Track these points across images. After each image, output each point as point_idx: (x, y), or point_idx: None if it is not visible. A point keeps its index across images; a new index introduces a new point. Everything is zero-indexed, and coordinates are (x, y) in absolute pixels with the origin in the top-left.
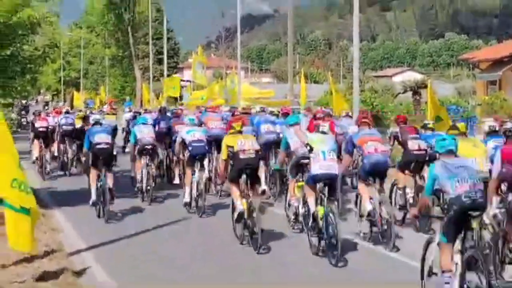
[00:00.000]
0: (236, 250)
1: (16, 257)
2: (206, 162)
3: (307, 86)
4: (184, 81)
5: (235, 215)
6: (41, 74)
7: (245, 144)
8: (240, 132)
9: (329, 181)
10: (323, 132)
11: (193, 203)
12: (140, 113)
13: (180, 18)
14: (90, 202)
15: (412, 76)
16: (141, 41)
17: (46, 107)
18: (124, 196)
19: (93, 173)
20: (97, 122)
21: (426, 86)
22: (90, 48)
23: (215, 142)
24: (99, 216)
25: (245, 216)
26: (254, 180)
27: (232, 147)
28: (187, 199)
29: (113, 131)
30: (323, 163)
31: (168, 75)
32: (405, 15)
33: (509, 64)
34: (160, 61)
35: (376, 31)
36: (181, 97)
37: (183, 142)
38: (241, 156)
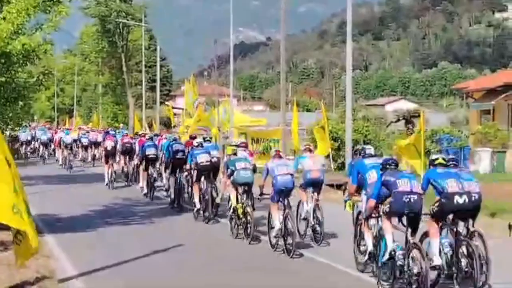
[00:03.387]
0: None
1: (7, 284)
2: None
3: (299, 114)
4: (176, 108)
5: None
6: (34, 101)
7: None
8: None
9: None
10: None
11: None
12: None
13: (173, 46)
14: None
15: (405, 105)
16: (134, 69)
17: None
18: (119, 222)
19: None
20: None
21: (419, 115)
22: (84, 75)
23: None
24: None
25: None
26: None
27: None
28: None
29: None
30: None
31: (161, 103)
32: (398, 44)
33: (502, 94)
34: (152, 89)
35: (369, 60)
36: (174, 126)
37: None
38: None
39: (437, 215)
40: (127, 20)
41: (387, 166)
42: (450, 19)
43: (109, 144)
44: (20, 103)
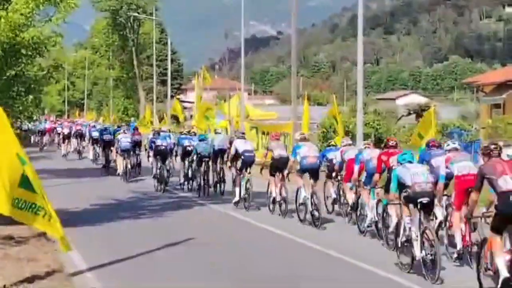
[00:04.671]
0: None
1: (17, 278)
2: None
3: (310, 108)
4: (186, 102)
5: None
6: (45, 95)
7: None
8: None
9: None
10: None
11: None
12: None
13: (184, 39)
14: None
15: (416, 99)
16: (145, 63)
17: None
18: (131, 216)
19: None
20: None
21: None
22: (94, 69)
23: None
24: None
25: None
26: None
27: None
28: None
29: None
30: None
31: (172, 96)
32: (409, 39)
33: None
34: (163, 83)
35: (380, 54)
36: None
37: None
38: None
39: None
40: (138, 13)
41: (156, 134)
42: (460, 14)
43: (65, 130)
44: (30, 96)
